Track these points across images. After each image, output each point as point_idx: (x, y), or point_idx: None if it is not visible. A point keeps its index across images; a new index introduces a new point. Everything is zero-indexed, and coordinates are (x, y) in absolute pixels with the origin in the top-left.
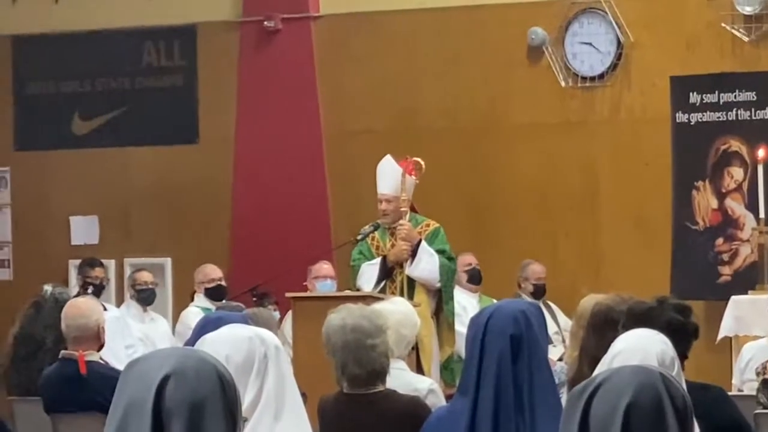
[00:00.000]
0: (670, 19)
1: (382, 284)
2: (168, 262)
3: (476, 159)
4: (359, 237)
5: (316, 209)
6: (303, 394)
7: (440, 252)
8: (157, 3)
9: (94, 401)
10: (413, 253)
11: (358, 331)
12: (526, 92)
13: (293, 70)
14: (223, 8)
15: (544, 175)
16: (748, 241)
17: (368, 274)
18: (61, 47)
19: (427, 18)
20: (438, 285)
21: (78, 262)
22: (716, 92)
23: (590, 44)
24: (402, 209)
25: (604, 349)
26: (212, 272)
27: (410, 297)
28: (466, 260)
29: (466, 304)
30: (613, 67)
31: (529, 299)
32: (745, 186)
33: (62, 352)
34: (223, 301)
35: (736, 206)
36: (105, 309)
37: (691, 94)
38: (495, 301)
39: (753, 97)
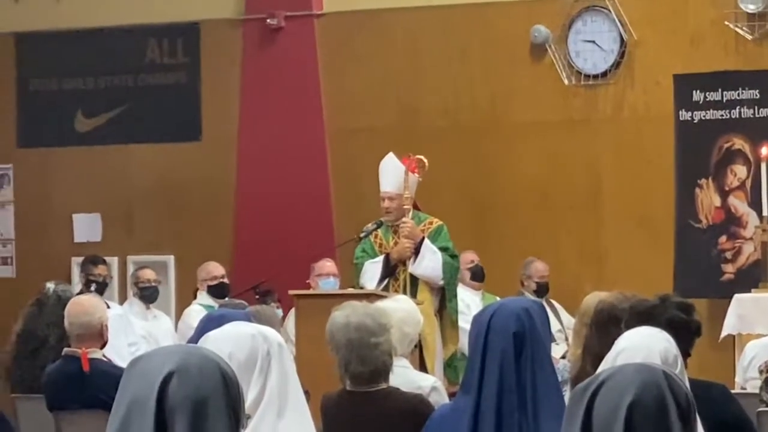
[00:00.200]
0: (673, 17)
1: (385, 282)
2: (171, 259)
3: (479, 157)
4: (362, 235)
5: (319, 207)
6: (306, 392)
7: (443, 249)
8: (161, 0)
9: (97, 399)
10: (416, 251)
11: (362, 329)
12: (529, 90)
13: (296, 67)
14: (227, 6)
15: (547, 173)
16: (751, 239)
17: (371, 272)
18: (64, 45)
19: (430, 16)
20: (441, 283)
21: (81, 259)
22: (719, 90)
23: (593, 42)
24: (405, 207)
25: (608, 346)
26: (215, 270)
27: (413, 295)
28: (469, 257)
29: (470, 302)
30: (617, 65)
31: (532, 297)
32: (748, 184)
33: (65, 349)
34: (226, 299)
35: (739, 204)
36: (108, 307)
37: (694, 92)
38: (498, 298)
39: (756, 95)
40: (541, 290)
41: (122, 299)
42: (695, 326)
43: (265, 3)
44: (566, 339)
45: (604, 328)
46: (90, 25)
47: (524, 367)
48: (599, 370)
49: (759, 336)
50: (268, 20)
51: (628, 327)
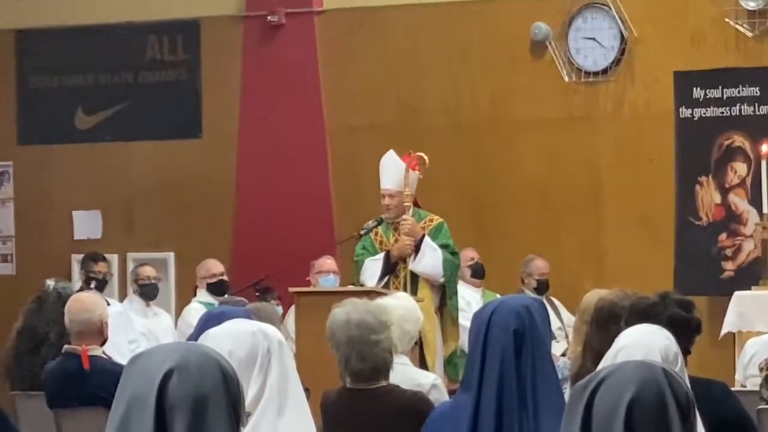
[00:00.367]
0: (673, 14)
1: (386, 279)
2: (171, 256)
3: (479, 154)
4: (362, 232)
5: (319, 204)
6: (306, 389)
7: (444, 247)
8: None
9: (97, 396)
10: (416, 248)
11: (362, 326)
12: (529, 87)
13: (296, 64)
14: (227, 3)
15: (547, 171)
16: (751, 236)
17: (371, 270)
18: (65, 41)
19: (430, 13)
20: (441, 280)
21: (81, 256)
22: (720, 87)
23: (594, 39)
24: (405, 204)
25: (608, 344)
26: (214, 267)
27: (414, 292)
28: (469, 255)
29: (470, 299)
30: (617, 62)
31: (533, 295)
32: (748, 181)
33: (65, 346)
34: (226, 296)
35: (739, 201)
36: (108, 304)
37: (694, 89)
38: (498, 295)
39: (756, 93)
40: (542, 288)
41: (122, 296)
42: (695, 324)
43: (265, 0)
44: (566, 337)
45: (604, 326)
46: (90, 22)
47: (524, 364)
48: (599, 367)
49: (759, 333)
50: (268, 17)
51: (629, 324)
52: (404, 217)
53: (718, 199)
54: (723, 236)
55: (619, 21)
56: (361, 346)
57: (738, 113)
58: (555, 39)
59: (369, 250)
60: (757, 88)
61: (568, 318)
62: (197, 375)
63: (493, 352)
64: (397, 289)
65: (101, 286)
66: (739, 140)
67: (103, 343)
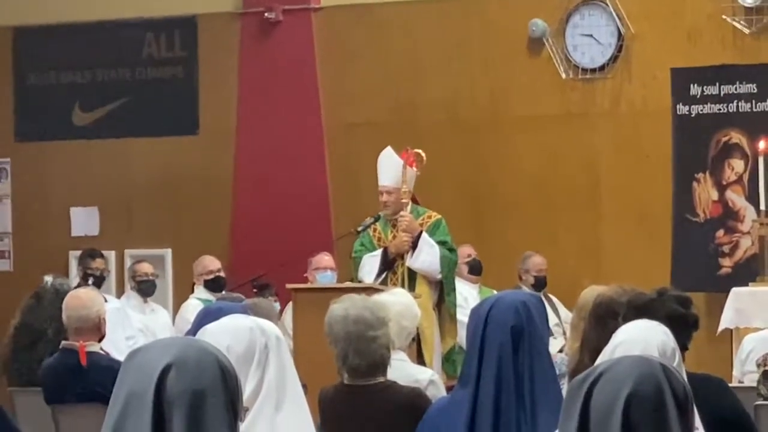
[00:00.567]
0: (670, 11)
1: (384, 276)
2: (168, 253)
3: (477, 151)
4: (359, 229)
5: (317, 200)
6: (303, 386)
7: (441, 243)
8: None
9: (95, 392)
10: (414, 245)
11: (360, 322)
12: (526, 84)
13: (294, 61)
14: (224, 0)
15: (544, 167)
16: (748, 233)
17: (369, 266)
18: (62, 38)
19: (427, 10)
20: (439, 276)
21: (78, 253)
22: (717, 84)
23: (591, 36)
24: (403, 201)
25: (606, 340)
26: (210, 264)
27: (411, 288)
28: (466, 251)
29: (467, 295)
30: (614, 59)
31: (530, 291)
32: (745, 178)
33: (63, 342)
34: (223, 293)
35: (736, 198)
36: (105, 300)
37: (691, 86)
38: (495, 292)
39: (754, 89)
40: (539, 284)
41: (120, 293)
42: (693, 320)
43: None
44: (564, 333)
45: (602, 322)
46: (88, 18)
47: (522, 360)
48: (597, 362)
49: (756, 330)
50: (265, 14)
51: (626, 320)
52: (402, 213)
53: (715, 195)
54: (720, 233)
55: (616, 18)
56: (358, 342)
57: (735, 110)
58: (552, 36)
59: (367, 246)
60: (755, 84)
61: (566, 314)
62: (195, 370)
63: (491, 348)
64: (394, 285)
65: (99, 282)
66: (736, 137)
67: (100, 340)
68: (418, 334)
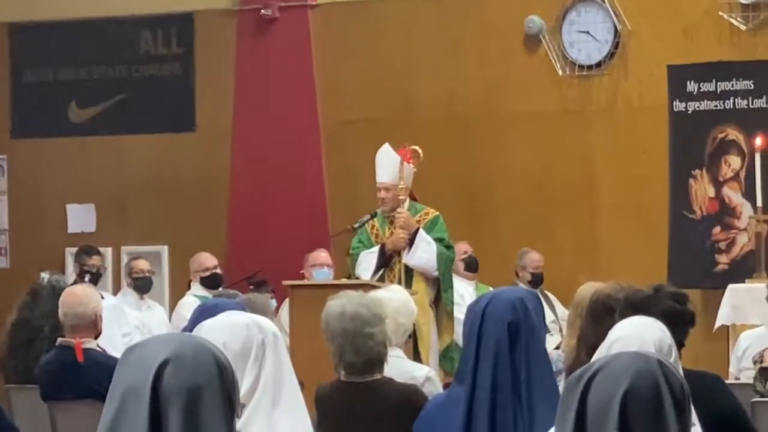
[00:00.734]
0: (667, 7)
1: (381, 272)
2: (165, 250)
3: (473, 148)
4: (356, 225)
5: (313, 197)
6: (300, 383)
7: (438, 240)
8: None
9: (91, 389)
10: (411, 242)
11: (357, 318)
12: (523, 81)
13: (290, 58)
14: None
15: (541, 164)
16: (745, 229)
17: (367, 263)
18: (59, 35)
19: (424, 6)
20: (435, 273)
21: (75, 250)
22: (714, 81)
23: (587, 33)
24: (400, 197)
25: (602, 337)
26: (206, 261)
27: (408, 285)
28: (462, 248)
29: (464, 292)
30: (611, 55)
31: (527, 288)
32: (742, 174)
33: (59, 339)
34: (220, 290)
35: (733, 195)
36: (102, 297)
37: (688, 82)
38: (491, 288)
39: (750, 86)
40: (536, 281)
41: (116, 290)
42: (689, 316)
43: None
44: (560, 330)
45: (599, 319)
46: (84, 15)
47: (518, 356)
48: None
49: (753, 326)
50: (262, 11)
51: (623, 317)
52: (398, 210)
53: (711, 192)
54: (717, 229)
55: (612, 14)
56: (355, 338)
57: (732, 107)
58: (549, 32)
59: (365, 243)
60: (751, 81)
61: (562, 311)
62: (192, 366)
63: (488, 345)
64: (391, 282)
65: (95, 279)
66: (732, 134)
67: (97, 336)
68: (414, 331)
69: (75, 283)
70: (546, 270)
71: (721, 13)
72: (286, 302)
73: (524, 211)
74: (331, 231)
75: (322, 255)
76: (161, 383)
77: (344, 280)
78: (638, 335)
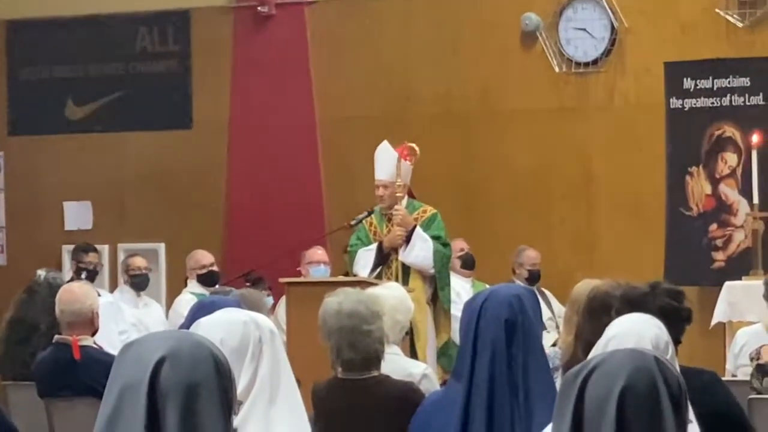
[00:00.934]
0: (664, 4)
1: (378, 270)
2: (162, 247)
3: (470, 144)
4: (353, 223)
5: (310, 194)
6: (297, 380)
7: (436, 238)
8: None
9: (88, 386)
10: (408, 239)
11: (354, 315)
12: (520, 78)
13: (287, 55)
14: None
15: (538, 161)
16: (741, 226)
17: (364, 260)
18: (55, 32)
19: (421, 4)
20: (432, 271)
21: (72, 247)
22: (710, 78)
23: (584, 30)
24: (398, 195)
25: (599, 334)
26: (203, 258)
27: (405, 283)
28: (459, 246)
29: (460, 290)
30: (607, 52)
31: (524, 285)
32: (738, 171)
33: (56, 336)
34: (217, 287)
35: (729, 192)
36: (98, 294)
37: (685, 79)
38: (488, 286)
39: (747, 83)
40: (533, 278)
41: (113, 287)
42: (686, 313)
43: None
44: (557, 327)
45: (596, 316)
46: (81, 12)
47: (515, 353)
48: (590, 356)
49: (749, 323)
50: (258, 8)
51: (619, 314)
52: (396, 207)
53: (708, 189)
54: (713, 226)
55: (609, 11)
56: (352, 335)
57: (728, 104)
58: (545, 29)
59: (363, 240)
60: (748, 78)
61: (559, 309)
62: (189, 363)
63: (485, 342)
64: (389, 279)
65: (92, 276)
66: (729, 131)
67: (93, 334)
68: (411, 328)
69: (72, 280)
70: (543, 267)
71: (717, 10)
72: (283, 299)
73: (521, 209)
74: (327, 228)
75: (318, 252)
76: (158, 380)
77: (341, 277)
78: (635, 332)
